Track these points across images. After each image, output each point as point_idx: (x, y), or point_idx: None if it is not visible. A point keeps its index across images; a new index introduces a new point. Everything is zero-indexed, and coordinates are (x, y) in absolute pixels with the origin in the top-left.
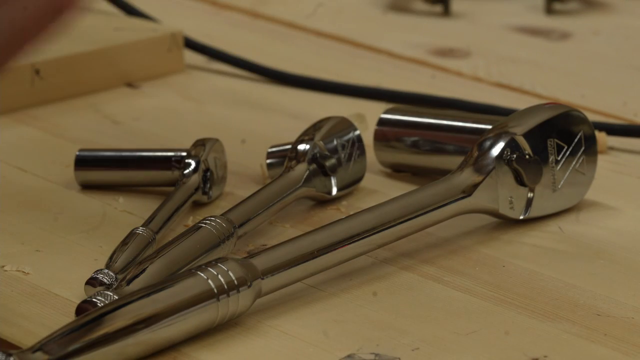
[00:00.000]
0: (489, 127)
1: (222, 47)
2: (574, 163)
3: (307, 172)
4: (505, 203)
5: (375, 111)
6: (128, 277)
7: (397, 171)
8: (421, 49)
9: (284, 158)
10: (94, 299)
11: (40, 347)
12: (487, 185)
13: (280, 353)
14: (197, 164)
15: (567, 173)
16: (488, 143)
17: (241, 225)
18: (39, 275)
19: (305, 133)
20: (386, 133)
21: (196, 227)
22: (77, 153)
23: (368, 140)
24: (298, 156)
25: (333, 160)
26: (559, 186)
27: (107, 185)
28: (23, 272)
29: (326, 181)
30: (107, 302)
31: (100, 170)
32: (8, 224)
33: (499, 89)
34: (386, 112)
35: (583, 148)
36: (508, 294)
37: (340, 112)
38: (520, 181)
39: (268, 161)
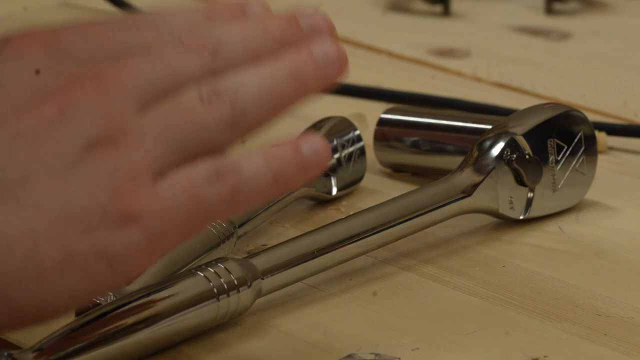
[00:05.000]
0: (489, 127)
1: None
2: (574, 163)
3: None
4: (505, 203)
5: (375, 111)
6: None
7: (397, 171)
8: (421, 49)
9: None
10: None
11: (40, 347)
12: (487, 185)
13: (280, 353)
14: None
15: (567, 173)
16: (488, 143)
17: (241, 225)
18: None
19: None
20: (386, 133)
21: None
22: None
23: (368, 140)
24: None
25: (333, 160)
26: (559, 186)
27: None
28: None
29: (326, 181)
30: (107, 302)
31: None
32: None
33: (499, 89)
34: (386, 112)
35: (583, 148)
36: (508, 294)
37: (340, 112)
38: (520, 181)
39: None
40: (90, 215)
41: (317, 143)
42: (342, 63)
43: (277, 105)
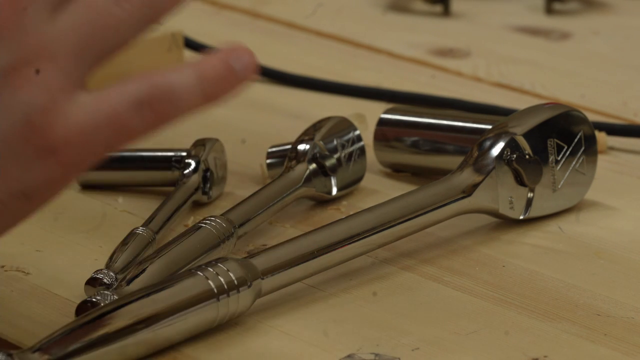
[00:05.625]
0: (489, 127)
1: (222, 47)
2: (574, 163)
3: (307, 172)
4: (505, 203)
5: (375, 111)
6: (128, 277)
7: (397, 171)
8: (421, 49)
9: (284, 158)
10: (94, 299)
11: (40, 347)
12: (487, 185)
13: (280, 353)
14: (197, 164)
15: (567, 173)
16: (488, 143)
17: (241, 225)
18: (39, 275)
19: (305, 133)
20: (386, 133)
21: (196, 227)
22: None
23: (368, 140)
24: (298, 156)
25: (333, 160)
26: (559, 186)
27: (107, 185)
28: (23, 272)
29: (326, 181)
30: (107, 302)
31: (100, 170)
32: None
33: (499, 89)
34: (386, 112)
35: (583, 148)
36: (508, 294)
37: (340, 112)
38: (520, 181)
39: (268, 161)
40: (4, 158)
41: (246, 58)
42: None
43: None
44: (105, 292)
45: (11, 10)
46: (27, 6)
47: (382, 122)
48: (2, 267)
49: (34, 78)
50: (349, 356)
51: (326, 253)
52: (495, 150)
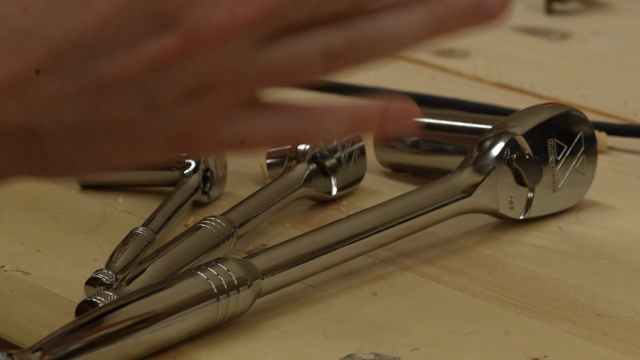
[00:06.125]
0: (489, 127)
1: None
2: (574, 163)
3: (307, 172)
4: (505, 203)
5: None
6: (128, 277)
7: (397, 171)
8: (421, 49)
9: (284, 158)
10: (94, 299)
11: (40, 347)
12: (487, 185)
13: (280, 353)
14: (197, 164)
15: (567, 173)
16: (488, 143)
17: (241, 225)
18: (39, 275)
19: None
20: None
21: (196, 227)
22: None
23: (368, 140)
24: (298, 156)
25: (333, 160)
26: (559, 186)
27: (107, 185)
28: (23, 272)
29: (326, 181)
30: (107, 302)
31: None
32: (8, 224)
33: (499, 89)
34: None
35: (583, 148)
36: (508, 294)
37: None
38: (520, 181)
39: (268, 161)
40: (140, 144)
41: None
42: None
43: (396, 49)
44: (106, 292)
45: (215, 37)
46: (231, 38)
47: None
48: (2, 267)
49: (205, 101)
50: (349, 356)
51: (326, 253)
52: (495, 150)
